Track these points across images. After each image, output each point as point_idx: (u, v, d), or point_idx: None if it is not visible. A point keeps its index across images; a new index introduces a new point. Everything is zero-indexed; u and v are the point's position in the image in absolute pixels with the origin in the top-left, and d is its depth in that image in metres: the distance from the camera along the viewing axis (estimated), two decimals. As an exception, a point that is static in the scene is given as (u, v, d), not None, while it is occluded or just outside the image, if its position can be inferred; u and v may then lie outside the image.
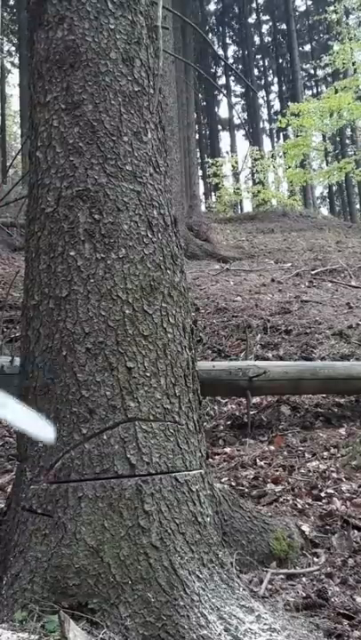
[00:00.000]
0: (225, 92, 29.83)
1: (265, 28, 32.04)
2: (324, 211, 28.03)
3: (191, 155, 19.19)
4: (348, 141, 26.52)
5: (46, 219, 2.06)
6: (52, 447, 1.91)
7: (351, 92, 14.33)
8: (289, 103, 16.88)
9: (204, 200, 26.03)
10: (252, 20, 31.78)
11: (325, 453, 3.70)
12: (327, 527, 2.73)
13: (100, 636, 1.65)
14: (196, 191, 19.62)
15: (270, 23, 31.59)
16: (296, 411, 4.53)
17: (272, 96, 32.52)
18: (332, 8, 16.40)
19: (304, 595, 2.15)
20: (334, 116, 15.39)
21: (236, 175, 25.90)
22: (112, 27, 2.14)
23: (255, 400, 4.57)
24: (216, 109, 32.12)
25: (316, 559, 2.49)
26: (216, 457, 3.77)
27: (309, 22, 27.82)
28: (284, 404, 4.58)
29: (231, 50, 31.85)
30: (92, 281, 1.97)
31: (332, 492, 3.08)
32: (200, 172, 26.14)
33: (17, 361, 3.54)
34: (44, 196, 2.08)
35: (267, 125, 31.97)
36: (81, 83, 2.08)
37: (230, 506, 2.33)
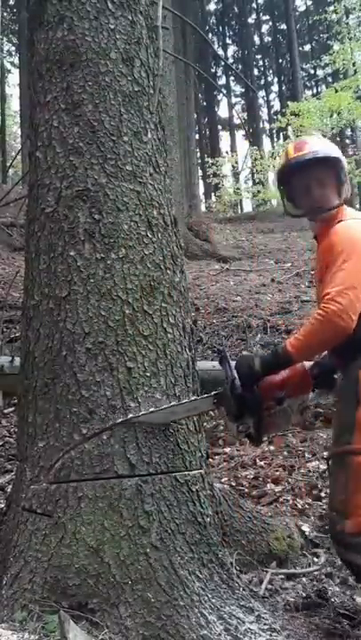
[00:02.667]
0: (225, 91, 29.86)
1: (265, 27, 32.04)
2: (325, 211, 27.93)
3: (191, 155, 19.18)
4: (348, 141, 26.51)
5: (46, 219, 2.06)
6: (52, 447, 1.91)
7: (351, 92, 14.32)
8: (289, 103, 16.86)
9: (204, 200, 25.99)
10: (251, 19, 31.78)
11: (325, 453, 3.70)
12: (327, 527, 2.73)
13: (101, 636, 1.65)
14: (196, 191, 19.61)
15: (270, 23, 31.58)
16: (296, 410, 4.52)
17: (272, 96, 32.52)
18: (332, 8, 16.39)
19: (304, 595, 2.15)
20: (334, 116, 15.38)
21: (236, 175, 25.89)
22: (112, 27, 2.14)
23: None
24: (216, 109, 32.14)
25: (316, 559, 2.49)
26: (216, 457, 3.77)
27: (309, 22, 27.79)
28: (284, 403, 4.58)
29: (231, 50, 31.86)
30: (91, 281, 1.97)
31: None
32: (200, 172, 26.11)
33: (17, 361, 3.54)
34: (44, 195, 2.08)
35: (267, 125, 31.96)
36: (81, 83, 2.08)
37: (230, 506, 2.34)
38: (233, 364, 1.94)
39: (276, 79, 32.19)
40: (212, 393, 1.96)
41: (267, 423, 1.96)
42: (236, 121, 29.92)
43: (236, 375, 1.89)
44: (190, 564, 1.85)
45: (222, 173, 24.34)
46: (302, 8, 30.00)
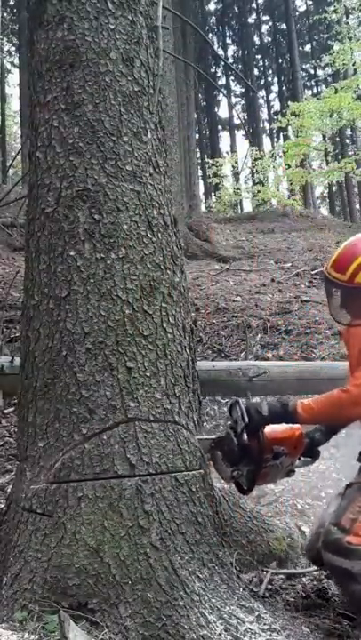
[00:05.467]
0: (225, 91, 29.86)
1: (265, 27, 32.04)
2: (324, 211, 27.98)
3: (191, 155, 19.18)
4: (348, 141, 26.51)
5: (46, 219, 2.06)
6: (52, 447, 1.91)
7: (351, 92, 14.34)
8: (289, 103, 16.87)
9: (204, 200, 26.02)
10: (251, 19, 31.77)
11: (325, 453, 3.69)
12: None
13: (101, 636, 1.65)
14: (196, 191, 19.61)
15: (270, 23, 31.57)
16: (296, 411, 4.52)
17: (272, 96, 32.53)
18: (332, 8, 16.40)
19: (304, 595, 2.15)
20: (334, 116, 15.39)
21: (236, 175, 25.88)
22: (112, 27, 2.14)
23: (255, 400, 4.57)
24: (216, 109, 32.13)
25: (316, 559, 2.49)
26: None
27: (309, 22, 27.78)
28: (284, 404, 4.58)
29: (231, 50, 31.86)
30: (92, 281, 1.97)
31: (332, 491, 3.08)
32: (200, 172, 26.14)
33: (17, 361, 3.54)
34: (44, 195, 2.08)
35: (267, 125, 31.98)
36: (81, 83, 2.08)
37: (230, 506, 2.33)
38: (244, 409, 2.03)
39: (276, 79, 32.19)
40: (213, 437, 2.06)
41: (261, 474, 2.06)
42: (236, 121, 29.95)
43: (248, 422, 1.97)
44: (190, 564, 1.85)
45: (222, 173, 24.36)
46: (302, 8, 30.00)
